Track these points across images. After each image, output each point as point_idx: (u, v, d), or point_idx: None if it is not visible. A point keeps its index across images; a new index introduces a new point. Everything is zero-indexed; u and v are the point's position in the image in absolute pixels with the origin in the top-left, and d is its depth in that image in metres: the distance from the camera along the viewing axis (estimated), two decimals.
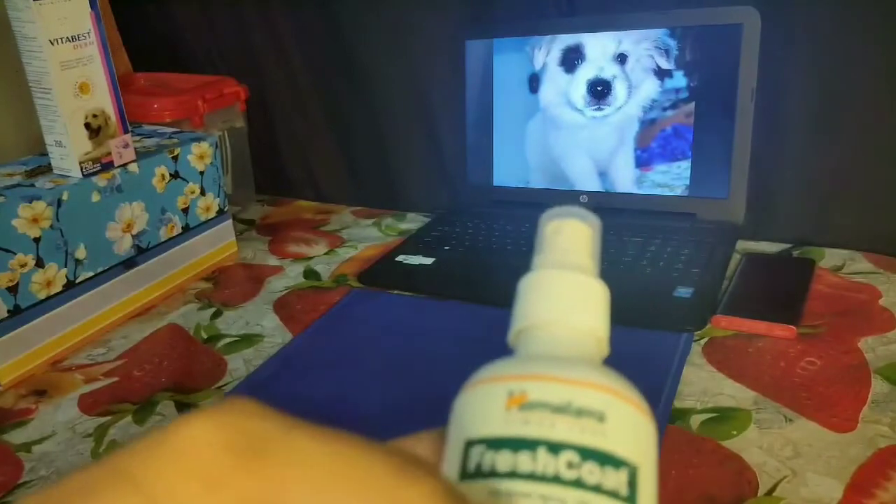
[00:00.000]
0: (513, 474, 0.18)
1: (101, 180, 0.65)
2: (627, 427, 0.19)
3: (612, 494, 0.18)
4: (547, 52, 0.80)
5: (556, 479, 0.18)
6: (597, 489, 0.18)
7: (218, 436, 0.17)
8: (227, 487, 0.16)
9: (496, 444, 0.19)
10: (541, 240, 0.24)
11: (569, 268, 0.23)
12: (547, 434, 0.18)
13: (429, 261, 0.75)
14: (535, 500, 0.17)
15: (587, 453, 0.18)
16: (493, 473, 0.18)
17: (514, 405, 0.19)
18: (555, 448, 0.18)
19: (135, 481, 0.16)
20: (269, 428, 0.17)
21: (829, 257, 0.71)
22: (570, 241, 0.23)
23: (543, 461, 0.18)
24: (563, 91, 0.79)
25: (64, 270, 0.63)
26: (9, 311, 0.59)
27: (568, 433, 0.18)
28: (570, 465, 0.18)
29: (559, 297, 0.22)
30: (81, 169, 0.64)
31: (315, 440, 0.17)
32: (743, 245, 0.74)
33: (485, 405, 0.19)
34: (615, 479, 0.18)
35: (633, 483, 0.18)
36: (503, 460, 0.18)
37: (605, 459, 0.18)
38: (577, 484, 0.18)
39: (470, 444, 0.19)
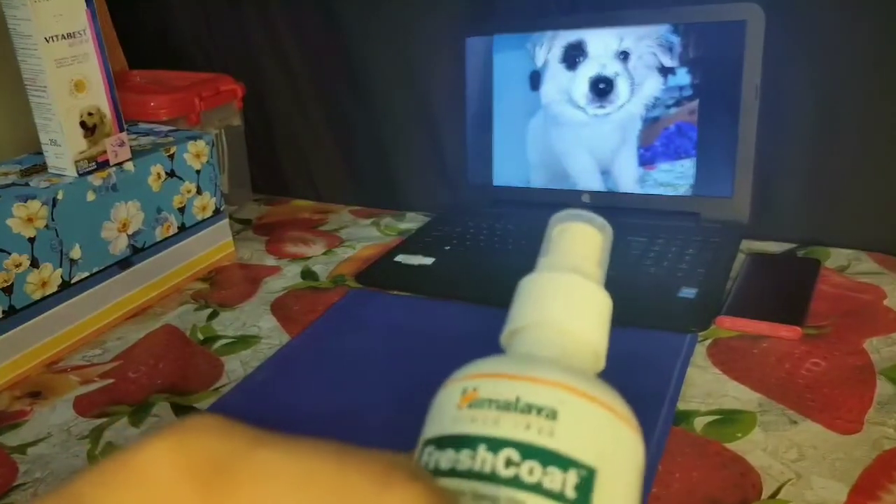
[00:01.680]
0: (452, 472, 0.18)
1: (96, 179, 0.65)
2: (586, 427, 0.18)
3: (555, 496, 0.17)
4: (548, 49, 0.80)
5: (491, 477, 0.17)
6: (535, 489, 0.17)
7: (179, 459, 0.16)
8: None
9: (441, 442, 0.18)
10: (547, 241, 0.23)
11: (570, 271, 0.22)
12: (489, 431, 0.18)
13: (428, 261, 0.75)
14: (468, 499, 0.17)
15: (529, 451, 0.17)
16: (436, 472, 0.18)
17: (465, 403, 0.19)
18: (494, 445, 0.18)
19: None
20: (233, 447, 0.16)
21: (835, 257, 0.71)
22: (576, 245, 0.23)
23: (482, 459, 0.18)
24: (565, 89, 0.79)
25: (59, 271, 0.63)
26: (3, 312, 0.59)
27: (511, 430, 0.18)
28: (508, 463, 0.17)
29: (554, 299, 0.22)
30: (76, 168, 0.64)
31: (283, 455, 0.16)
32: (747, 245, 0.74)
33: (442, 405, 0.19)
34: (560, 480, 0.17)
35: (585, 486, 0.17)
36: (445, 458, 0.18)
37: (549, 458, 0.17)
38: (514, 482, 0.17)
39: (425, 444, 0.19)
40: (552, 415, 0.18)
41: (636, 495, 0.19)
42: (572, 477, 0.17)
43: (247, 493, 0.16)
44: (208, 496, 0.16)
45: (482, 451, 0.18)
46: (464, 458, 0.18)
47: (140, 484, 0.16)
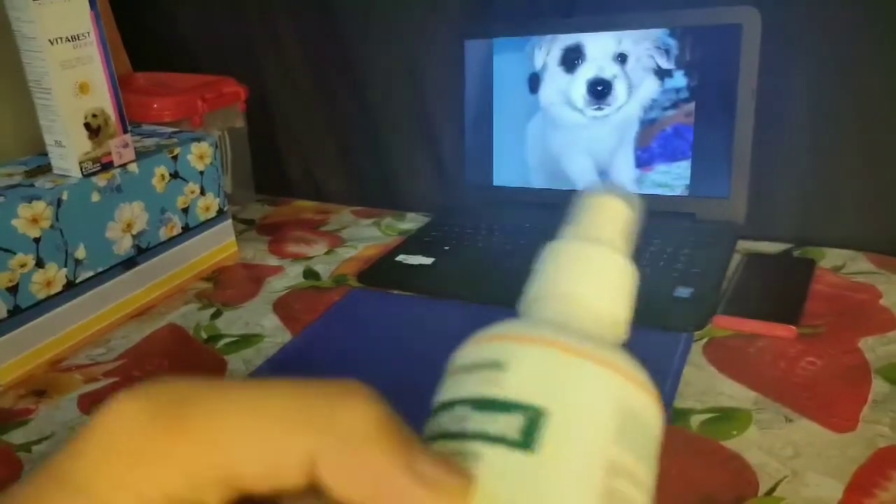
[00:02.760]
0: (428, 439, 0.19)
1: (100, 180, 0.65)
2: (533, 372, 0.18)
3: (498, 440, 0.17)
4: (547, 51, 0.80)
5: (447, 434, 0.18)
6: (481, 436, 0.17)
7: (142, 409, 0.17)
8: (163, 457, 0.16)
9: (431, 413, 0.19)
10: (574, 211, 0.23)
11: (595, 242, 0.22)
12: (451, 395, 0.19)
13: (428, 261, 0.75)
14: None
15: (477, 404, 0.18)
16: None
17: (451, 372, 0.20)
18: (450, 405, 0.18)
19: (76, 484, 0.16)
20: (191, 387, 0.17)
21: (830, 257, 0.71)
22: (603, 217, 0.22)
23: (443, 420, 0.18)
24: (564, 91, 0.79)
25: (64, 270, 0.63)
26: (9, 312, 0.59)
27: (467, 388, 0.18)
28: (460, 420, 0.18)
29: (571, 268, 0.21)
30: (81, 169, 0.64)
31: (240, 387, 0.17)
32: (743, 245, 0.74)
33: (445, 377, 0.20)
34: (504, 424, 0.17)
35: (531, 427, 0.17)
36: (427, 429, 0.19)
37: (493, 406, 0.18)
38: (462, 435, 0.17)
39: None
40: (499, 365, 0.18)
41: (616, 435, 0.18)
42: (516, 420, 0.17)
43: (210, 423, 0.17)
44: (175, 434, 0.16)
45: (443, 414, 0.18)
46: (432, 424, 0.19)
47: (109, 440, 0.17)
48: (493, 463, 0.17)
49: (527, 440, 0.17)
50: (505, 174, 0.85)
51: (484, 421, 0.17)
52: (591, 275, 0.21)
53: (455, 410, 0.18)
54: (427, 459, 0.17)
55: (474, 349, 0.19)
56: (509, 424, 0.17)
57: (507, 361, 0.18)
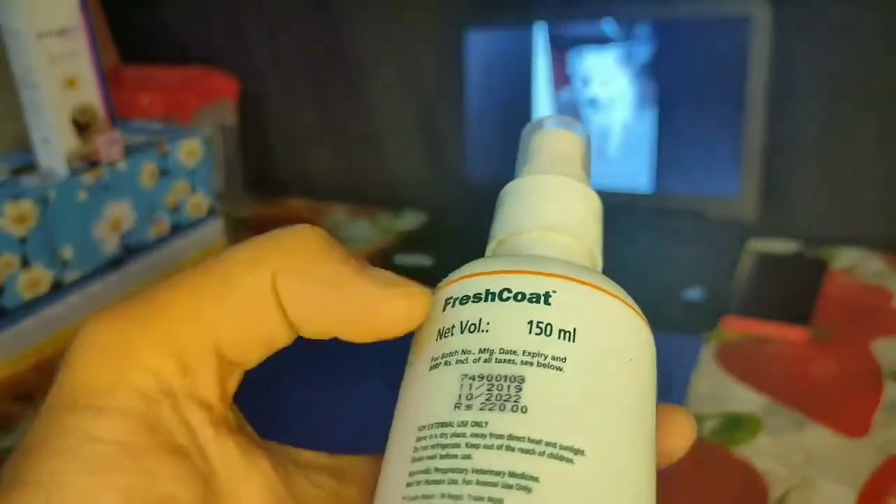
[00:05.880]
0: None
1: (88, 178, 0.66)
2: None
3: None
4: (550, 42, 0.80)
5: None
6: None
7: (111, 318, 0.19)
8: (147, 345, 0.18)
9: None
10: (525, 149, 0.24)
11: (557, 173, 0.22)
12: None
13: (428, 262, 0.76)
14: None
15: None
16: None
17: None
18: None
19: (73, 401, 0.18)
20: (151, 290, 0.19)
21: (842, 257, 0.72)
22: (559, 149, 0.23)
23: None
24: (567, 84, 0.80)
25: (51, 271, 0.64)
26: None
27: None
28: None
29: (542, 202, 0.22)
30: (68, 166, 0.65)
31: (192, 270, 0.19)
32: (754, 244, 0.75)
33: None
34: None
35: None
36: None
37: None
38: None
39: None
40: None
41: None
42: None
43: (177, 298, 0.19)
44: (146, 320, 0.18)
45: None
46: None
47: (90, 344, 0.19)
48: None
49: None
50: (507, 171, 0.86)
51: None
52: (561, 205, 0.22)
53: None
54: (380, 271, 0.18)
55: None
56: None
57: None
